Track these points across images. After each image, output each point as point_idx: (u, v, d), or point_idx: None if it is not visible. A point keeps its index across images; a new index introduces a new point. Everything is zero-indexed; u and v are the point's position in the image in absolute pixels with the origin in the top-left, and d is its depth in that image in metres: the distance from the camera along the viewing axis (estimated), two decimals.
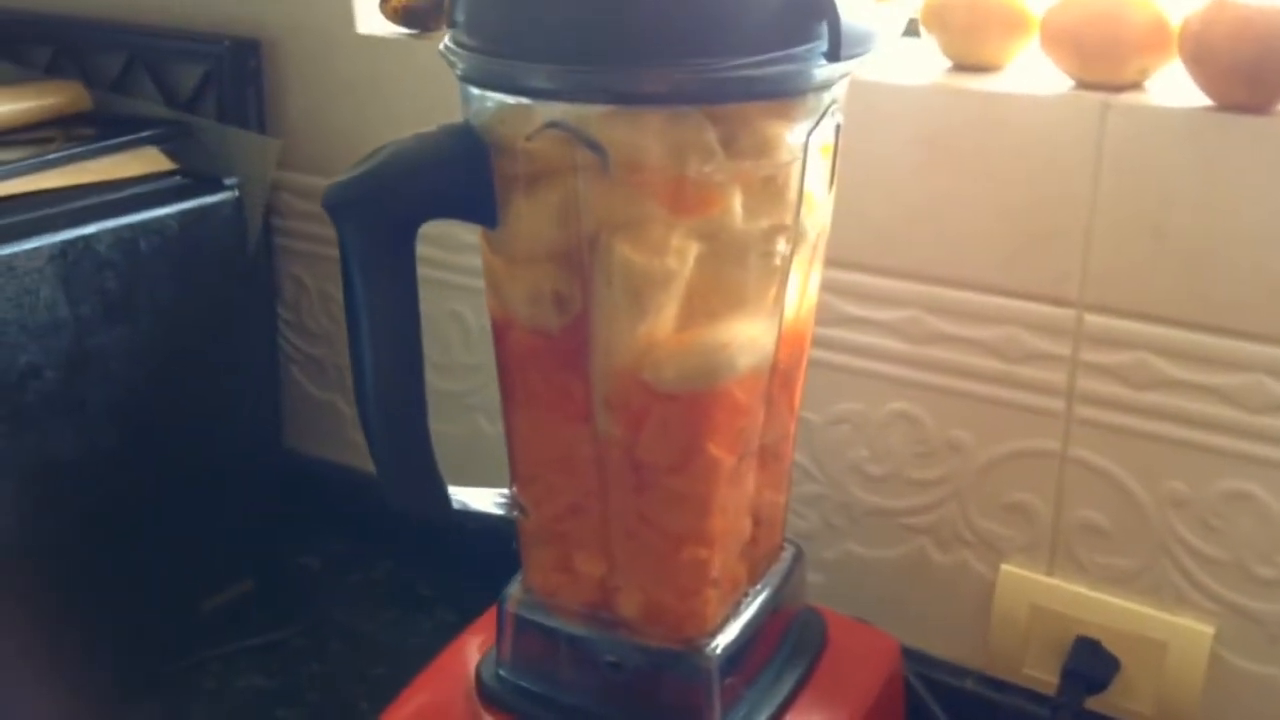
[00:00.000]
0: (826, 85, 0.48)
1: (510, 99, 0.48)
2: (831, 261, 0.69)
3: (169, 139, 0.89)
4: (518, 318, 0.52)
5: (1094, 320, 0.70)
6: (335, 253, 0.97)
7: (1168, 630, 0.73)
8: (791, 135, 0.48)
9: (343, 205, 0.49)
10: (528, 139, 0.48)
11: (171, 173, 0.86)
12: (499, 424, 0.95)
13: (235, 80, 0.92)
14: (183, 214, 0.81)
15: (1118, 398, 0.71)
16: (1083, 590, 0.75)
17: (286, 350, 1.06)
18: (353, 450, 1.05)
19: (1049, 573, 0.76)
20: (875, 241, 0.75)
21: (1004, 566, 0.77)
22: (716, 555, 0.54)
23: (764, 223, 0.49)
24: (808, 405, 0.77)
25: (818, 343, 0.75)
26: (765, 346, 0.52)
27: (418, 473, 0.54)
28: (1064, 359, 0.72)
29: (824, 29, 0.47)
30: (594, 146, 0.47)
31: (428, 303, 0.93)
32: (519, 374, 0.54)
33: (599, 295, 0.50)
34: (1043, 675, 0.77)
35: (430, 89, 0.90)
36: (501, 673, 0.60)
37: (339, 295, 0.99)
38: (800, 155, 0.49)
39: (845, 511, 0.82)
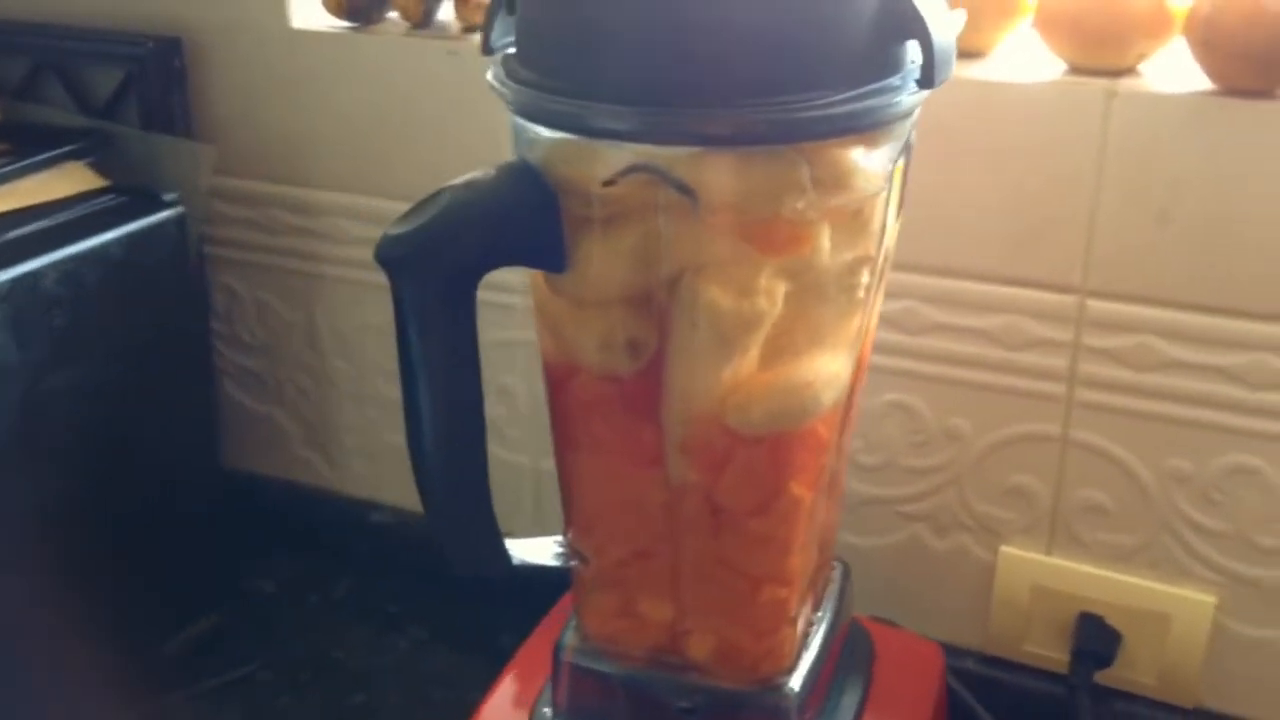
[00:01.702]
0: (912, 111, 0.46)
1: (580, 139, 0.45)
2: None
3: (92, 151, 0.82)
4: (586, 364, 0.49)
5: (1096, 305, 0.71)
6: (270, 259, 0.93)
7: (1170, 602, 0.74)
8: (879, 165, 0.46)
9: (401, 260, 0.45)
10: (606, 183, 0.45)
11: (103, 190, 0.79)
12: None
13: (159, 83, 0.85)
14: (127, 238, 0.75)
15: (1120, 380, 0.72)
16: (1084, 567, 0.76)
17: (218, 364, 1.00)
18: (297, 465, 1.00)
19: (1048, 552, 0.77)
20: None
21: (1003, 548, 0.78)
22: (795, 593, 0.53)
23: (849, 256, 0.47)
24: None
25: None
26: (845, 379, 0.50)
27: (479, 534, 0.50)
28: (1066, 344, 0.72)
29: (904, 55, 0.45)
30: (684, 189, 0.44)
31: (383, 309, 0.90)
32: (583, 420, 0.51)
33: (679, 338, 0.47)
34: (1043, 651, 0.79)
35: (375, 86, 0.85)
36: None
37: (276, 304, 0.95)
38: (887, 185, 0.47)
39: None
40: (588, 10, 0.43)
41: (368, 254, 0.89)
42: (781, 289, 0.46)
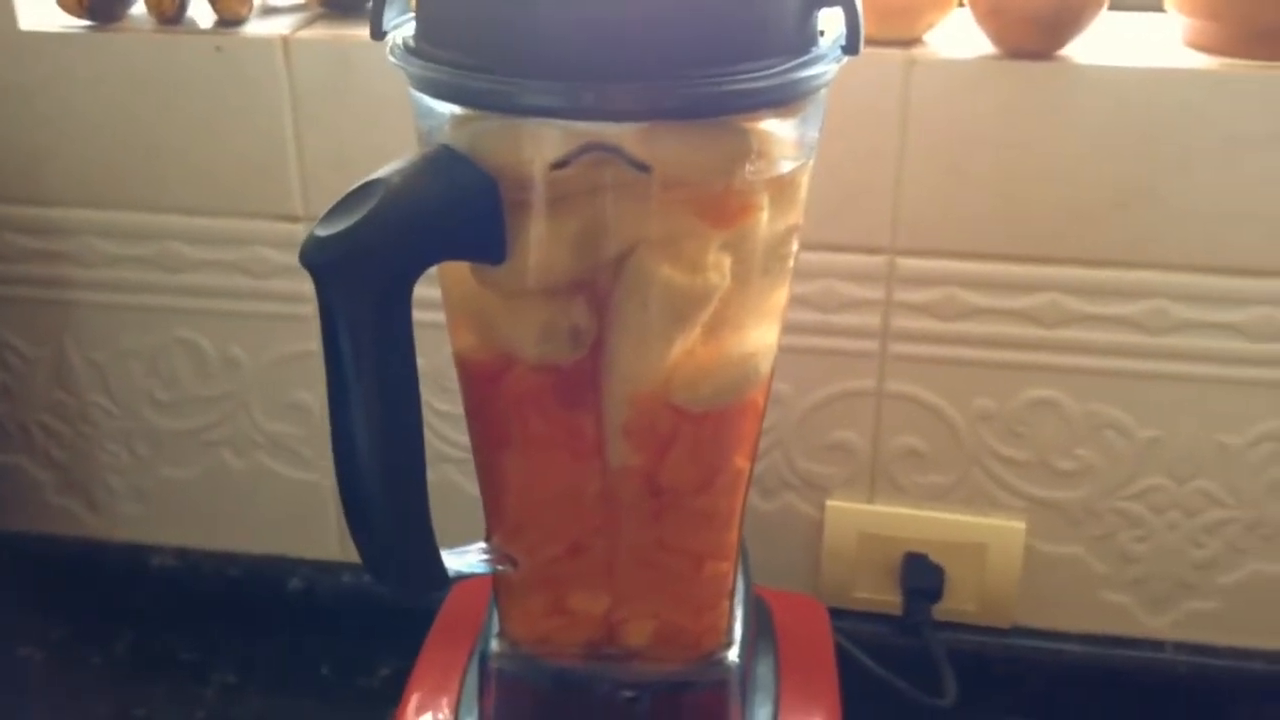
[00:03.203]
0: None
1: (515, 120, 0.43)
2: None
3: None
4: (523, 356, 0.47)
5: (905, 263, 0.75)
6: (6, 290, 0.84)
7: (985, 532, 0.80)
8: (810, 132, 0.47)
9: (334, 265, 0.42)
10: (557, 165, 0.43)
11: None
12: (247, 458, 0.86)
13: None
14: None
15: (929, 331, 0.76)
16: (905, 510, 0.81)
17: None
18: (55, 516, 0.91)
19: (870, 501, 0.81)
20: None
21: (829, 502, 0.81)
22: (733, 565, 0.53)
23: (781, 225, 0.48)
24: None
25: None
26: (775, 347, 0.51)
27: (418, 549, 0.47)
28: (878, 302, 0.76)
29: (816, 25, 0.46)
30: (639, 166, 0.43)
31: (149, 333, 0.83)
32: (516, 417, 0.49)
33: (626, 319, 0.46)
34: (873, 595, 0.83)
35: (126, 89, 0.78)
36: None
37: (14, 339, 0.86)
38: (814, 150, 0.48)
39: None
40: None
41: (124, 274, 0.83)
42: (728, 262, 0.46)
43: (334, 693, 0.85)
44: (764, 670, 0.60)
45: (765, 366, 0.50)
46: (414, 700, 0.59)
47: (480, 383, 0.49)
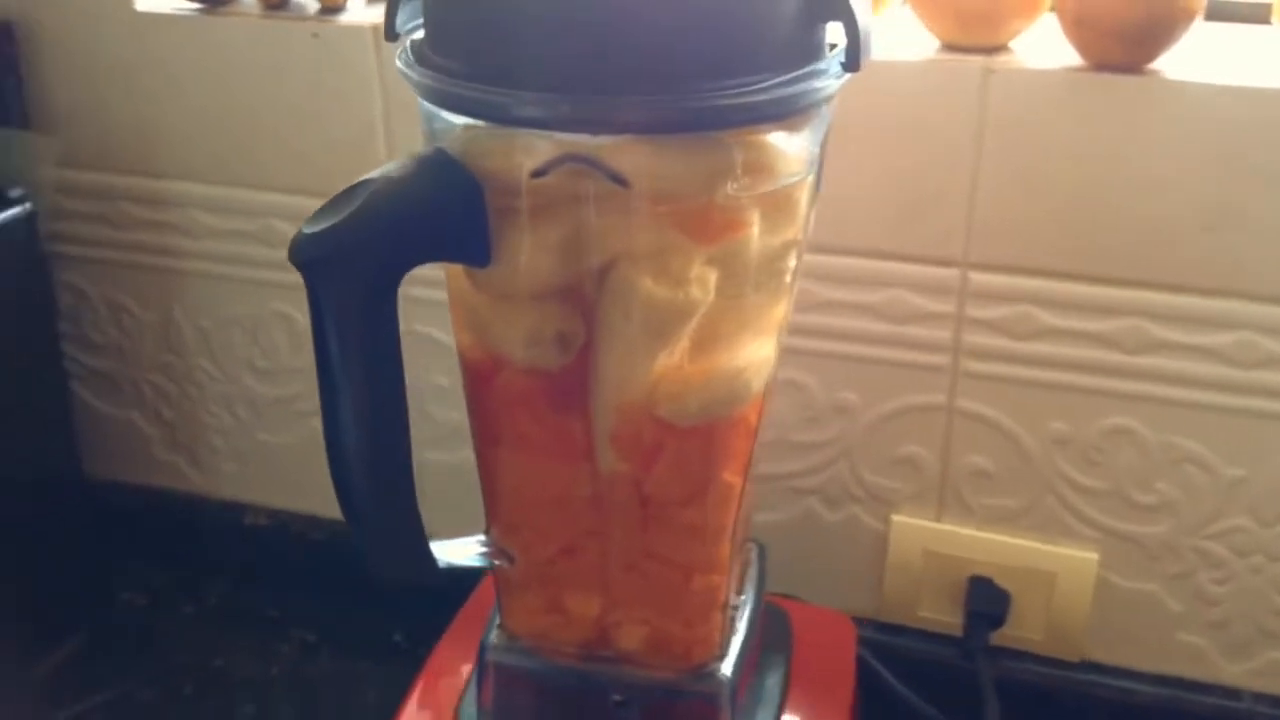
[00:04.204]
0: (835, 94, 0.46)
1: (504, 128, 0.43)
2: None
3: None
4: (512, 359, 0.48)
5: (978, 278, 0.72)
6: (120, 255, 0.89)
7: (1055, 560, 0.77)
8: (806, 149, 0.46)
9: (320, 262, 0.43)
10: (536, 174, 0.43)
11: None
12: None
13: None
14: None
15: (1002, 349, 0.74)
16: (972, 532, 0.78)
17: (68, 368, 0.95)
18: (161, 470, 0.96)
19: (938, 519, 0.79)
20: None
21: (894, 517, 0.79)
22: (726, 579, 0.52)
23: (776, 241, 0.47)
24: None
25: None
26: (772, 363, 0.50)
27: (406, 540, 0.49)
28: (949, 316, 0.74)
29: (823, 39, 0.45)
30: (616, 179, 0.43)
31: (249, 303, 0.87)
32: (507, 417, 0.50)
33: (610, 329, 0.46)
34: (937, 616, 0.81)
35: (230, 70, 0.81)
36: None
37: (128, 302, 0.90)
38: (813, 168, 0.47)
39: None
40: None
41: (226, 246, 0.86)
42: (713, 277, 0.45)
43: (404, 659, 0.88)
44: (772, 683, 0.59)
45: (758, 383, 0.49)
46: (421, 686, 0.61)
47: (476, 380, 0.50)
